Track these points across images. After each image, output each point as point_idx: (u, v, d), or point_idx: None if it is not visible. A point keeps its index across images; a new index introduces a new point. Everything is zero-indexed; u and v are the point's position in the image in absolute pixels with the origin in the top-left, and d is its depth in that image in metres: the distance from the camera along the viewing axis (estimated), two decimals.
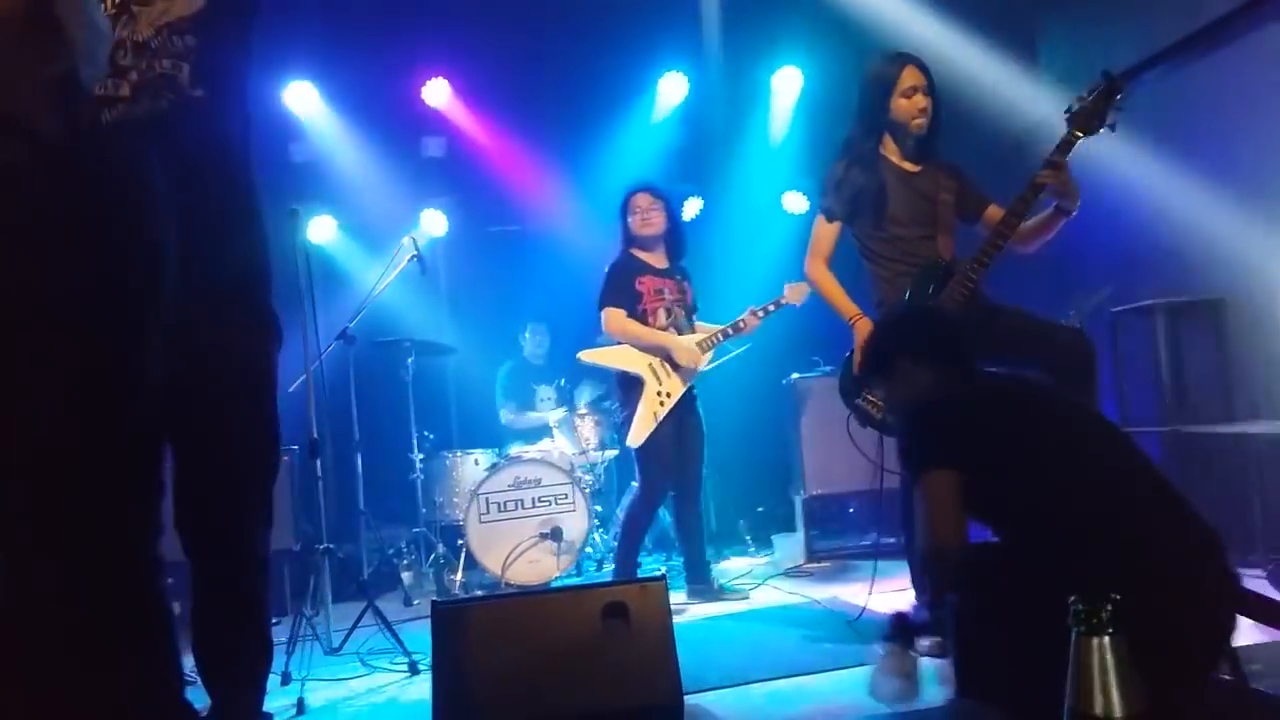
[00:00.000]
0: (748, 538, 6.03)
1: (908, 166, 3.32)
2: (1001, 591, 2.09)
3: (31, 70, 1.26)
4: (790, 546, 5.37)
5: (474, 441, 5.90)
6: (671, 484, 4.41)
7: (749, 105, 7.06)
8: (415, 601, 5.09)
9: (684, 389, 4.37)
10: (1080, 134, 2.94)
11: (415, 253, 4.94)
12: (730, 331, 4.47)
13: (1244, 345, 4.27)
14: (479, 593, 5.03)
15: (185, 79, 1.93)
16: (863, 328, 3.28)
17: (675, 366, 4.37)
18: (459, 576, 5.14)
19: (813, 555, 5.30)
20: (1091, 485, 2.06)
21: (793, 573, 5.05)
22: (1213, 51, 4.29)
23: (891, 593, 3.73)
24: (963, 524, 2.13)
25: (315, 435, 4.05)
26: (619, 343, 4.44)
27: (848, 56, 5.83)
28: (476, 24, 6.06)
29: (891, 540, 5.27)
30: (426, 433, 5.70)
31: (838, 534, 6.03)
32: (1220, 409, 4.34)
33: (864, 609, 3.67)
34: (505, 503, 5.05)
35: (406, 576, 5.37)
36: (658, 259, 4.50)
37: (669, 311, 4.42)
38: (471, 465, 5.47)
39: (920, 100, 3.24)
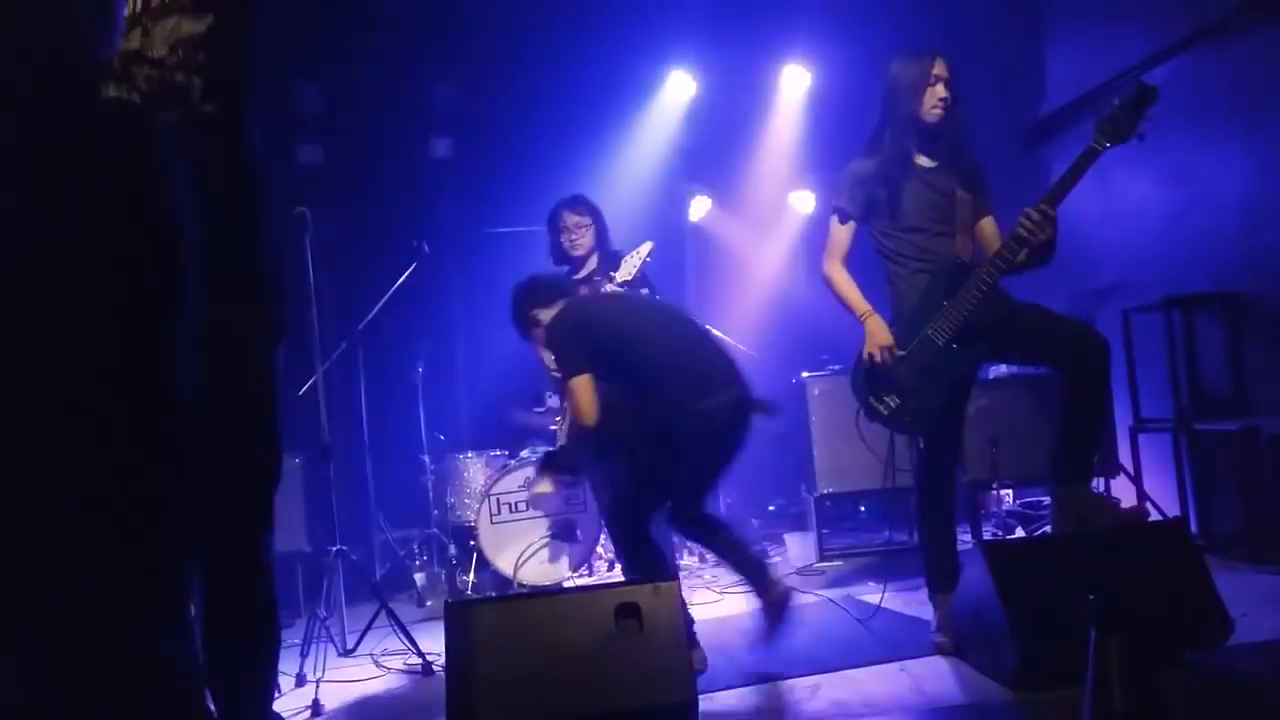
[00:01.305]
0: (760, 536, 6.02)
1: (925, 162, 3.27)
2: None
3: (90, 38, 1.26)
4: (802, 545, 5.36)
5: (485, 442, 5.90)
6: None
7: (756, 103, 7.05)
8: (428, 602, 5.11)
9: None
10: (1107, 144, 2.89)
11: (425, 254, 4.95)
12: None
13: (1258, 340, 4.24)
14: (491, 593, 5.04)
15: (197, 92, 1.97)
16: (874, 325, 3.26)
17: None
18: (471, 577, 5.14)
19: (825, 554, 5.29)
20: (651, 350, 3.39)
21: (805, 571, 5.04)
22: (1219, 47, 4.26)
23: (905, 590, 3.73)
24: (595, 405, 3.34)
25: (327, 438, 4.07)
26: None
27: (856, 53, 5.84)
28: (483, 24, 6.06)
29: (904, 538, 5.30)
30: (438, 434, 5.71)
31: (850, 532, 6.04)
32: (1235, 405, 4.32)
33: (878, 607, 3.66)
34: (517, 503, 5.06)
35: (419, 578, 5.38)
36: (578, 268, 4.47)
37: None
38: (482, 467, 5.47)
39: (941, 90, 3.19)
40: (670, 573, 3.33)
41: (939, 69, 3.19)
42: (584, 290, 4.39)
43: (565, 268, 4.49)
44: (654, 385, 3.38)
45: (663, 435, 3.37)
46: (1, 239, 1.22)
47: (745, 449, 3.50)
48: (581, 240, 4.39)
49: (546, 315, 3.53)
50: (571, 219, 4.41)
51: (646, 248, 4.15)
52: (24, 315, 1.23)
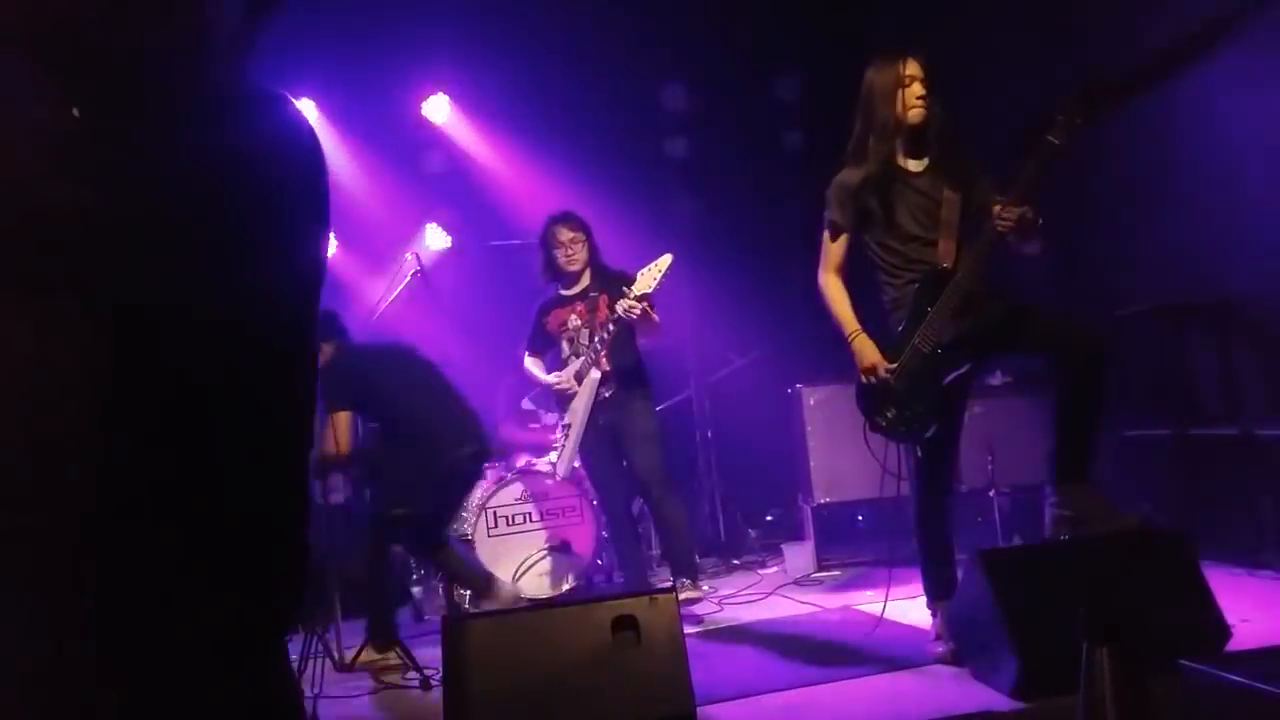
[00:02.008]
0: (757, 547, 6.02)
1: (910, 166, 3.25)
2: None
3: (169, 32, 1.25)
4: (800, 556, 5.36)
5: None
6: (611, 496, 4.53)
7: (750, 112, 7.08)
8: (426, 617, 5.09)
9: (583, 414, 4.37)
10: (1060, 140, 2.89)
11: (418, 268, 4.95)
12: (603, 340, 4.29)
13: (1250, 346, 4.26)
14: (488, 606, 5.03)
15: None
16: (860, 345, 3.24)
17: (573, 396, 4.45)
18: (468, 591, 5.13)
19: (822, 564, 5.29)
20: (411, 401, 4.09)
21: (803, 582, 5.03)
22: (1211, 51, 4.28)
23: (904, 599, 3.72)
24: (347, 439, 4.01)
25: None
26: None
27: (849, 60, 5.85)
28: (476, 39, 6.09)
29: (902, 547, 5.28)
30: None
31: (847, 542, 6.03)
32: (1228, 410, 4.33)
33: (881, 618, 3.64)
34: (513, 516, 5.05)
35: (416, 592, 5.36)
36: (571, 283, 4.51)
37: (570, 341, 4.48)
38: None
39: (917, 89, 3.16)
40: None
41: (911, 68, 3.17)
42: (580, 306, 4.41)
43: (555, 284, 4.51)
44: (412, 432, 4.06)
45: (419, 474, 4.02)
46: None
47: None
48: (576, 255, 4.39)
49: (324, 352, 4.00)
50: (565, 234, 4.39)
51: (666, 261, 4.09)
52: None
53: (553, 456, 4.90)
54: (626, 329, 4.31)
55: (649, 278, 4.08)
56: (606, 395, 4.36)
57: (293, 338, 1.30)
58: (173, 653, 1.14)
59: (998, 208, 2.98)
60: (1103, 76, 2.89)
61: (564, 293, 4.52)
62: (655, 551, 5.52)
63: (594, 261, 4.46)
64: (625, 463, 4.48)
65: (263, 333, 1.25)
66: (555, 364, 4.64)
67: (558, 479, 4.92)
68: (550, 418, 6.05)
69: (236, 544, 1.19)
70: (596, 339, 4.30)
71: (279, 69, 5.66)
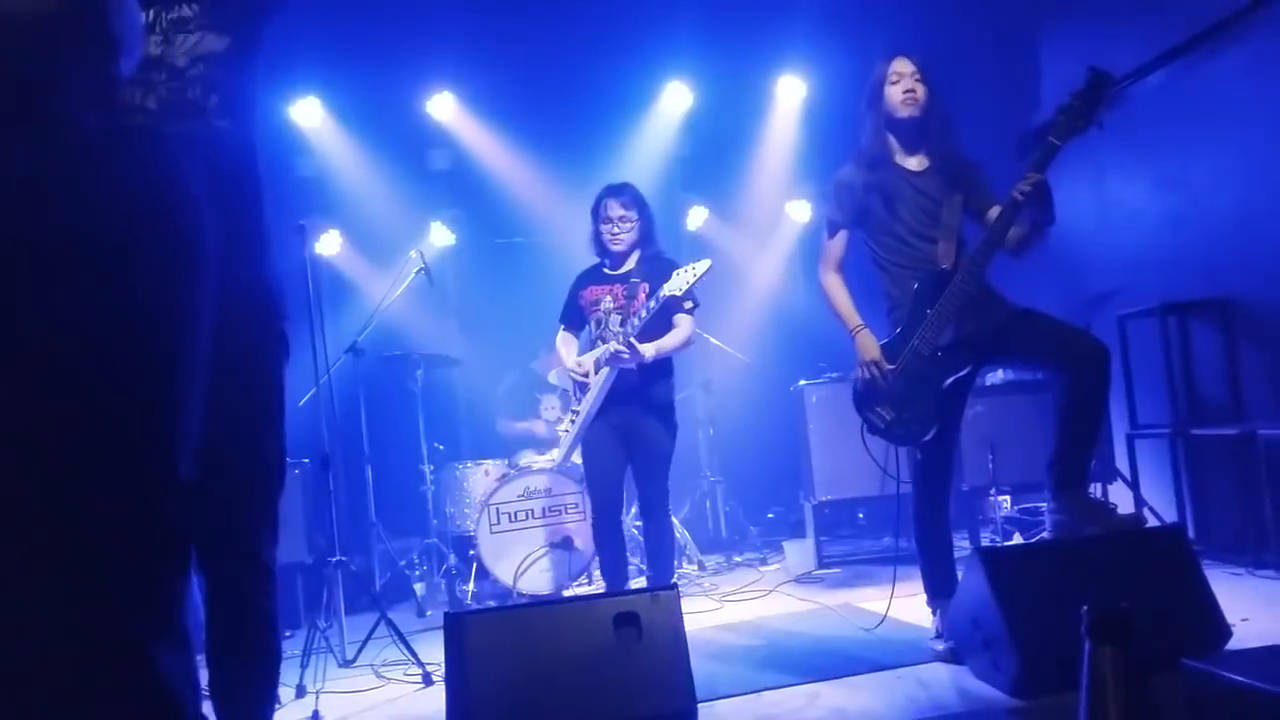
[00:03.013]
0: (759, 544, 6.03)
1: (912, 165, 3.27)
2: None
3: (73, 68, 1.27)
4: (801, 552, 5.37)
5: (484, 452, 5.92)
6: (606, 497, 3.99)
7: (752, 113, 7.09)
8: (428, 612, 5.11)
9: (594, 401, 3.96)
10: (1060, 140, 2.90)
11: (422, 265, 4.96)
12: (633, 328, 3.88)
13: (1253, 344, 4.26)
14: (491, 603, 5.04)
15: (212, 108, 2.05)
16: (863, 340, 3.26)
17: (587, 387, 4.05)
18: (471, 587, 5.15)
19: (824, 561, 5.30)
20: None
21: (804, 579, 5.05)
22: (1214, 53, 4.29)
23: (905, 597, 3.73)
24: None
25: (326, 448, 4.08)
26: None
27: (851, 64, 5.86)
28: (480, 38, 6.09)
29: (903, 545, 5.30)
30: (437, 444, 5.72)
31: (848, 539, 6.05)
32: (1230, 409, 4.33)
33: (884, 616, 3.65)
34: (516, 513, 5.07)
35: (419, 588, 5.39)
36: (616, 264, 4.11)
37: (599, 322, 4.06)
38: (482, 476, 5.48)
39: (907, 83, 3.19)
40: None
41: (898, 66, 3.22)
42: (618, 288, 4.06)
43: (604, 260, 4.16)
44: None
45: None
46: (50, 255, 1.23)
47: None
48: (624, 235, 4.02)
49: None
50: (616, 209, 4.02)
51: (704, 265, 3.81)
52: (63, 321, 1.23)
53: (554, 453, 4.75)
54: (657, 323, 3.94)
55: (682, 279, 3.81)
56: (627, 391, 3.94)
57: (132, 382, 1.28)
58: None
59: (1019, 185, 2.98)
60: (1105, 77, 2.88)
61: (607, 270, 4.13)
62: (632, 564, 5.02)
63: (645, 247, 4.07)
64: (631, 471, 4.06)
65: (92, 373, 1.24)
66: (586, 346, 4.22)
67: (556, 467, 4.77)
68: (550, 400, 5.96)
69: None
70: (628, 325, 3.91)
71: (285, 67, 5.71)
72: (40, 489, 1.21)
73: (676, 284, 3.79)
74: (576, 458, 4.47)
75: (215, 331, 1.47)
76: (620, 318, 3.99)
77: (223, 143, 2.06)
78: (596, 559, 5.18)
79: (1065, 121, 2.91)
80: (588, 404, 4.00)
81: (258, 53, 2.19)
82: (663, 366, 4.03)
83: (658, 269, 3.96)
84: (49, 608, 1.19)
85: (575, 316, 4.19)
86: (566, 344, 4.22)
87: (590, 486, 4.09)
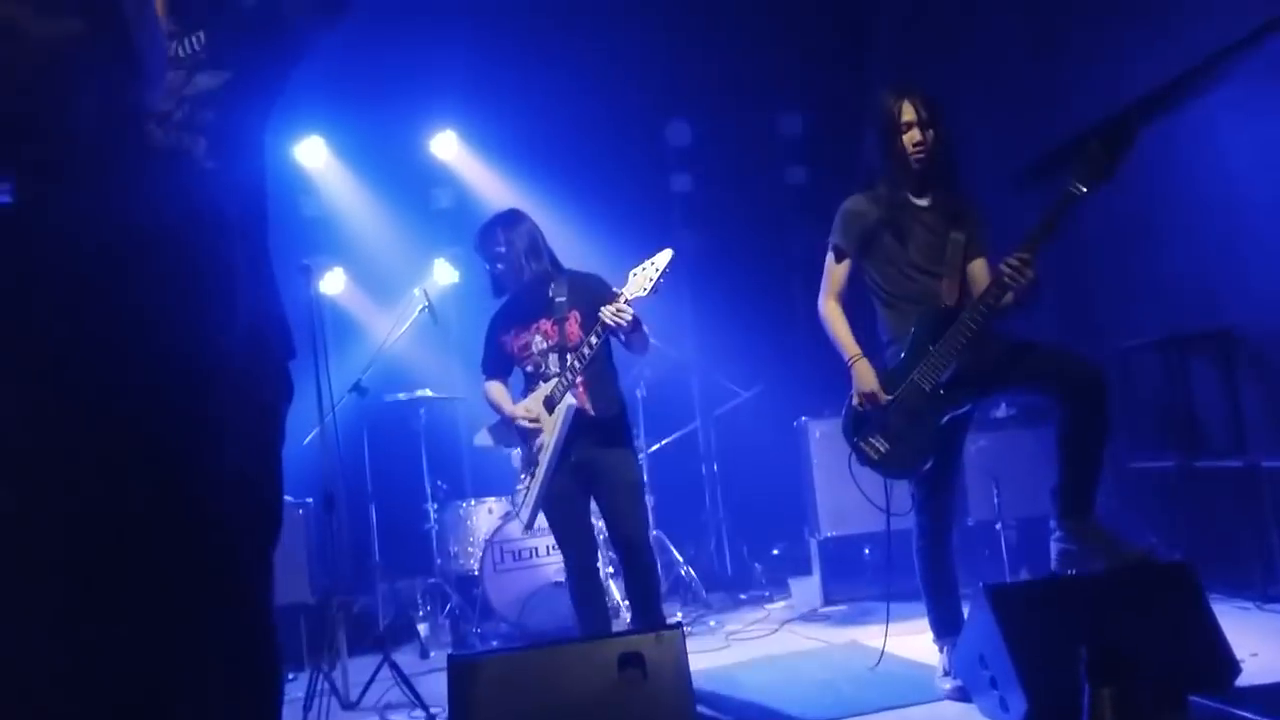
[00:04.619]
0: (764, 581, 6.00)
1: (917, 201, 3.29)
2: None
3: (93, 92, 1.26)
4: (806, 590, 5.34)
5: (487, 489, 5.90)
6: (582, 549, 3.65)
7: (753, 146, 7.15)
8: (432, 653, 5.07)
9: (552, 451, 3.57)
10: (1085, 188, 2.88)
11: (426, 304, 4.98)
12: (581, 359, 3.53)
13: (1255, 377, 4.26)
14: (495, 643, 5.01)
15: (200, 153, 1.97)
16: (861, 369, 3.27)
17: (539, 430, 3.65)
18: (475, 627, 5.12)
19: (829, 598, 5.26)
20: None
21: (810, 617, 5.01)
22: (1211, 87, 4.32)
23: (912, 635, 3.71)
24: None
25: (330, 488, 4.08)
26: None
27: (850, 96, 5.92)
28: (483, 78, 6.17)
29: (909, 581, 5.26)
30: (440, 482, 5.72)
31: (854, 575, 6.00)
32: (1232, 441, 4.32)
33: (883, 653, 3.63)
34: (520, 551, 5.04)
35: (423, 628, 5.35)
36: (528, 299, 3.72)
37: (537, 366, 3.69)
38: (485, 514, 5.46)
39: (914, 135, 3.20)
40: None
41: (908, 114, 3.20)
42: (545, 324, 3.70)
43: (514, 300, 3.80)
44: None
45: None
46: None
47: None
48: (506, 268, 3.72)
49: None
50: (493, 247, 3.74)
51: (665, 257, 3.47)
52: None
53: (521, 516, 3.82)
54: (605, 348, 3.61)
55: (643, 278, 3.45)
56: (583, 426, 3.57)
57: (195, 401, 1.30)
58: None
59: (1008, 262, 2.99)
60: (1123, 127, 2.89)
61: (515, 309, 3.77)
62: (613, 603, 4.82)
63: (532, 260, 3.65)
64: (599, 508, 3.71)
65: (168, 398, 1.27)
66: (519, 392, 3.83)
67: (522, 529, 4.16)
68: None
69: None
70: (572, 360, 3.55)
71: (289, 107, 5.77)
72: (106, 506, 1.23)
73: (637, 285, 3.45)
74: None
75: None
76: (557, 355, 3.63)
77: (207, 188, 1.91)
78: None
79: (1087, 171, 2.88)
80: (546, 453, 3.58)
81: (268, 95, 2.10)
82: (612, 392, 3.69)
83: (583, 291, 3.63)
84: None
85: (502, 365, 3.85)
86: (502, 394, 3.85)
87: (563, 542, 3.69)
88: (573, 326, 3.60)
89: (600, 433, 3.60)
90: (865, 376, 3.25)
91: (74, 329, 1.21)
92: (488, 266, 3.75)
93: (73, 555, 1.20)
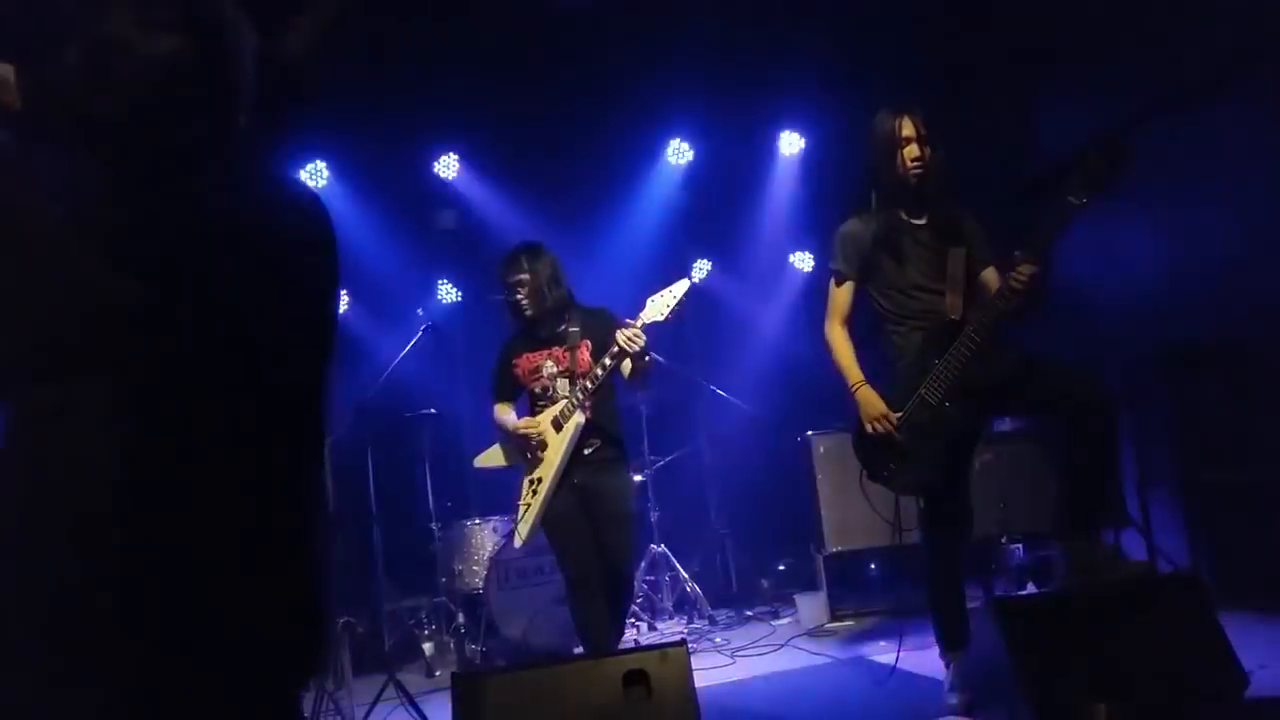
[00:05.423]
0: (770, 597, 5.98)
1: (913, 220, 3.30)
2: None
3: (198, 112, 1.32)
4: (813, 605, 5.32)
5: (492, 508, 5.89)
6: (584, 568, 3.67)
7: (754, 167, 7.17)
8: (438, 672, 5.06)
9: (557, 467, 3.63)
10: (1084, 199, 2.89)
11: (429, 324, 5.00)
12: (591, 383, 3.61)
13: (1261, 389, 4.25)
14: (500, 662, 4.99)
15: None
16: (865, 396, 3.26)
17: (544, 447, 3.72)
18: (480, 645, 5.10)
19: (836, 613, 5.24)
20: None
21: (817, 632, 4.99)
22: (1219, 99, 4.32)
23: (919, 650, 3.69)
24: None
25: (334, 508, 4.08)
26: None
27: (849, 117, 5.93)
28: (485, 99, 6.20)
29: (916, 596, 5.24)
30: (445, 501, 5.71)
31: (861, 590, 5.98)
32: (1238, 456, 4.31)
33: (893, 668, 3.62)
34: (525, 569, 5.03)
35: (428, 647, 5.33)
36: (543, 327, 3.83)
37: (545, 389, 3.78)
38: (490, 532, 5.46)
39: (913, 150, 3.21)
40: None
41: (908, 129, 3.21)
42: (556, 350, 3.83)
43: (529, 327, 3.89)
44: None
45: None
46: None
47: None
48: (524, 297, 3.82)
49: None
50: (512, 276, 3.84)
51: (683, 286, 3.55)
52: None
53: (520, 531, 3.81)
54: (610, 383, 3.70)
55: (661, 304, 3.52)
56: (588, 452, 3.69)
57: (308, 404, 1.36)
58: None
59: (1014, 272, 3.00)
60: (1121, 141, 2.89)
61: (528, 335, 3.88)
62: None
63: (552, 289, 3.78)
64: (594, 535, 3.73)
65: (282, 404, 1.34)
66: (523, 413, 3.92)
67: (518, 546, 4.04)
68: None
69: (261, 597, 1.25)
70: (581, 384, 3.64)
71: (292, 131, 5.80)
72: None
73: (655, 311, 3.53)
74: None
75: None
76: (567, 380, 3.72)
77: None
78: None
79: (1087, 183, 2.89)
80: (551, 469, 3.65)
81: (277, 135, 2.17)
82: (613, 429, 3.79)
83: (594, 323, 3.75)
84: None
85: (512, 389, 3.93)
86: (509, 413, 3.93)
87: (564, 559, 3.74)
88: (584, 354, 3.73)
89: (600, 464, 3.71)
90: (872, 402, 3.24)
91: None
92: (506, 293, 3.85)
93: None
